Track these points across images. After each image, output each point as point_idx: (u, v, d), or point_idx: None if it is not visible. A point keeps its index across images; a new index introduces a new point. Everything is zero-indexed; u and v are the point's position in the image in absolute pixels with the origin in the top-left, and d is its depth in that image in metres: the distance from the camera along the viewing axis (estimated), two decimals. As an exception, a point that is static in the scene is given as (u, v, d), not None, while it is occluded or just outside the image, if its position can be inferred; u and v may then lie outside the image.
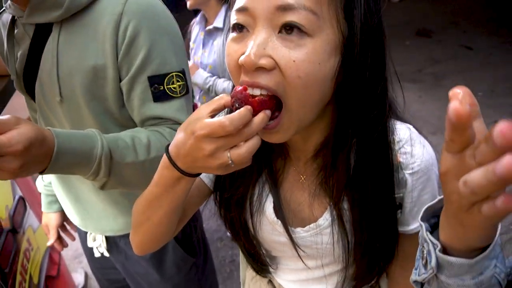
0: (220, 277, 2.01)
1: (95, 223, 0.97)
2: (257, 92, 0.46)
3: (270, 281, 0.78)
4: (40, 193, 1.16)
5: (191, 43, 1.79)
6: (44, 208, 1.16)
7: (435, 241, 0.38)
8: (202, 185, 0.66)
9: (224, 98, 0.47)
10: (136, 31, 0.72)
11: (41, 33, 0.77)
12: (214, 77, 1.60)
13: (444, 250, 0.37)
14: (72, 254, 2.30)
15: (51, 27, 0.76)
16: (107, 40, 0.72)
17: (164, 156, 0.51)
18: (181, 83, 0.77)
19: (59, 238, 1.17)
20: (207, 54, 1.63)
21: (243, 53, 0.45)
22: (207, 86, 1.58)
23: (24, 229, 1.47)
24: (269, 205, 0.62)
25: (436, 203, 0.41)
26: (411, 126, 0.58)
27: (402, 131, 0.57)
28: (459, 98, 0.29)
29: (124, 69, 0.74)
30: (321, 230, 0.60)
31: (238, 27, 0.48)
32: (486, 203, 0.28)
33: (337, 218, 0.58)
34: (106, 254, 1.03)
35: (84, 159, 0.66)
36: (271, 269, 0.74)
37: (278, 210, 0.62)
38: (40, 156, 0.60)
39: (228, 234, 2.22)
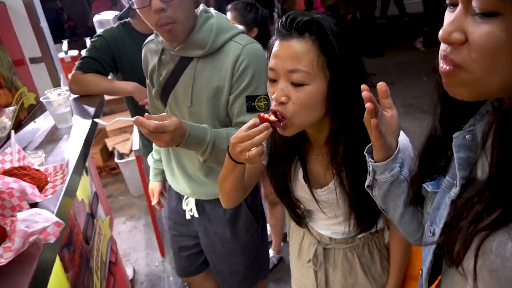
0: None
1: (194, 189, 1.34)
2: (272, 117, 0.81)
3: (306, 226, 1.12)
4: (104, 195, 1.55)
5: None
6: (151, 177, 1.59)
7: (372, 159, 0.73)
8: (260, 164, 1.02)
9: (254, 120, 0.82)
10: (246, 66, 1.11)
11: (183, 62, 1.17)
12: None
13: (376, 163, 0.72)
14: (121, 253, 2.65)
15: (191, 59, 1.16)
16: (228, 70, 1.11)
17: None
18: (266, 102, 1.13)
19: (159, 201, 1.60)
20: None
21: (274, 93, 0.81)
22: None
23: (97, 217, 1.83)
24: (300, 175, 0.98)
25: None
26: None
27: None
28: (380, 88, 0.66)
29: (234, 88, 1.13)
30: (331, 190, 0.95)
31: (271, 79, 0.83)
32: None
33: (339, 182, 0.92)
34: (196, 215, 1.39)
35: (200, 141, 1.04)
36: (307, 219, 1.09)
37: (306, 178, 0.97)
38: (179, 135, 0.98)
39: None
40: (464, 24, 0.48)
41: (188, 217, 1.42)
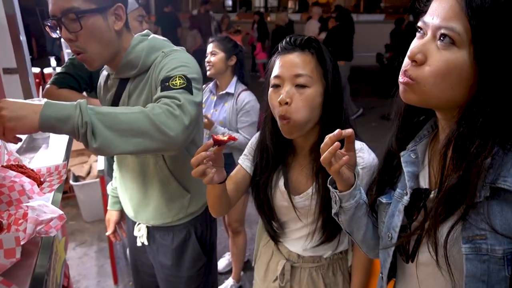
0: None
1: (141, 214, 1.33)
2: (225, 138, 0.88)
3: (277, 243, 1.18)
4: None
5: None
6: (109, 206, 1.53)
7: (336, 190, 0.82)
8: (247, 176, 1.11)
9: (207, 143, 0.84)
10: (164, 61, 1.09)
11: (122, 83, 1.20)
12: (228, 131, 2.04)
13: (341, 193, 0.81)
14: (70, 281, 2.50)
15: (128, 80, 1.19)
16: (153, 81, 1.12)
17: None
18: (181, 81, 1.02)
19: (115, 232, 1.53)
20: (218, 113, 2.10)
21: (279, 96, 0.93)
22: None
23: (55, 236, 1.74)
24: (281, 182, 1.07)
25: None
26: (363, 143, 1.04)
27: (357, 145, 1.00)
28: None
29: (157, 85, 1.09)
30: (308, 197, 1.04)
31: (275, 85, 0.97)
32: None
33: (316, 189, 1.03)
34: (146, 242, 1.37)
35: (66, 106, 0.83)
36: (279, 232, 1.15)
37: (286, 185, 1.06)
38: (27, 108, 0.80)
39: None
40: (428, 49, 0.62)
41: (138, 244, 1.40)
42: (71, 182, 3.02)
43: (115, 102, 1.22)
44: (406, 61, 0.65)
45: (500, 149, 0.60)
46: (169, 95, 0.98)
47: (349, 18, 5.62)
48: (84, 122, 0.82)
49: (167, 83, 1.02)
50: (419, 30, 0.65)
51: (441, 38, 0.60)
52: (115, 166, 1.43)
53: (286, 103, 0.93)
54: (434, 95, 0.63)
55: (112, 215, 1.54)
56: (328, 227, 1.06)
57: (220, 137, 0.86)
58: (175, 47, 1.20)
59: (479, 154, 0.60)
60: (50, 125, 0.81)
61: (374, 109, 5.85)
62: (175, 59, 1.10)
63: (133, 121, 0.88)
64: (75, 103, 0.85)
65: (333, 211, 0.86)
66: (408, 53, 0.64)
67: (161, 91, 1.01)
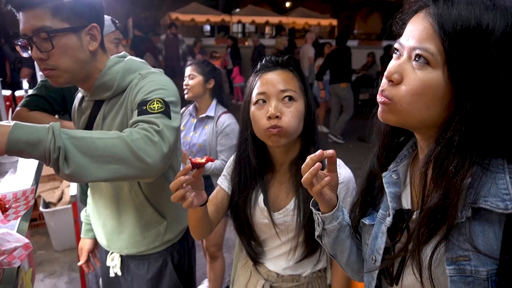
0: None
1: (115, 243, 1.27)
2: (203, 160, 0.87)
3: (256, 264, 1.15)
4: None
5: (181, 127, 2.26)
6: (82, 234, 1.46)
7: (318, 212, 0.82)
8: (226, 196, 1.11)
9: (185, 167, 0.84)
10: (141, 84, 1.07)
11: (97, 105, 1.16)
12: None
13: (324, 214, 0.81)
14: (35, 315, 2.33)
15: (102, 102, 1.14)
16: (129, 103, 1.08)
17: None
18: (159, 105, 0.99)
19: (88, 261, 1.45)
20: (198, 135, 2.08)
21: (267, 112, 0.96)
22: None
23: (21, 267, 1.63)
24: (260, 199, 1.07)
25: None
26: (340, 160, 1.05)
27: None
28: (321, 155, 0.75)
29: (133, 108, 1.06)
30: (288, 212, 1.04)
31: (260, 102, 0.99)
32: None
33: (296, 203, 1.03)
34: (119, 273, 1.30)
35: (38, 128, 0.78)
36: (258, 251, 1.13)
37: (266, 201, 1.06)
38: None
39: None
40: (404, 69, 0.64)
41: (111, 274, 1.32)
42: (41, 209, 2.88)
43: (89, 125, 1.17)
44: (384, 81, 0.66)
45: (479, 168, 0.60)
46: (147, 120, 0.95)
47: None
48: (57, 147, 0.77)
49: (145, 107, 0.98)
50: (396, 51, 0.67)
51: (416, 58, 0.62)
52: (88, 191, 1.37)
53: (277, 116, 0.96)
54: (410, 114, 0.63)
55: (85, 244, 1.46)
56: (311, 241, 1.05)
57: (198, 160, 0.85)
58: (153, 69, 1.17)
59: (458, 172, 0.60)
60: (19, 149, 0.76)
61: (351, 131, 5.96)
62: (152, 82, 1.07)
63: (110, 147, 0.84)
64: (48, 126, 0.79)
65: (316, 233, 0.85)
66: (385, 73, 0.65)
67: (138, 115, 0.97)
